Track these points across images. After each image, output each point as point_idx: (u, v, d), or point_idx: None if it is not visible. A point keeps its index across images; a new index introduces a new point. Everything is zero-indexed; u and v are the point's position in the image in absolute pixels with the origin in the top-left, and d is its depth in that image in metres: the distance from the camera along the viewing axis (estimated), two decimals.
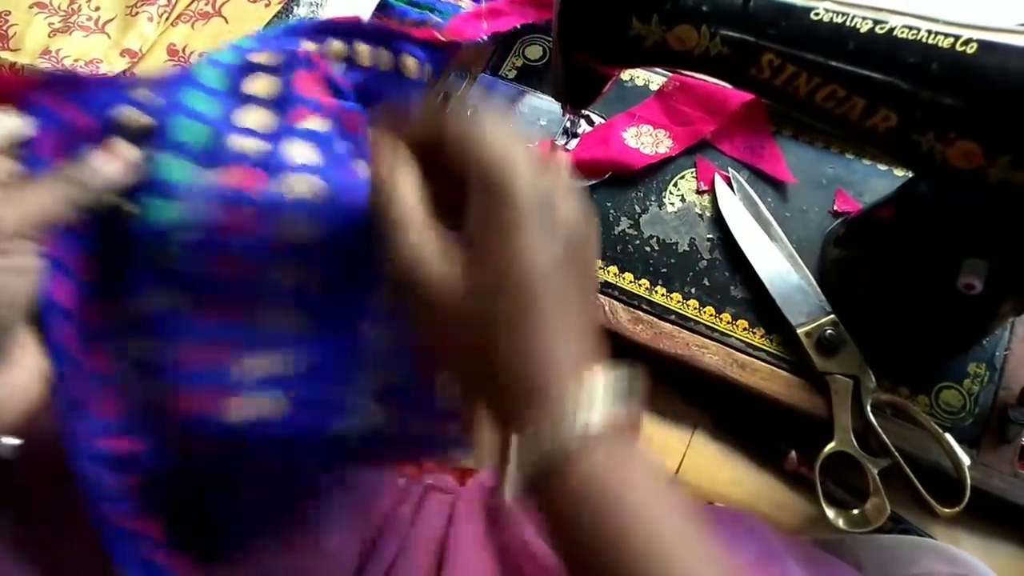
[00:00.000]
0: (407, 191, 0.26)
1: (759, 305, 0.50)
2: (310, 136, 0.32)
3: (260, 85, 0.34)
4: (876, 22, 0.36)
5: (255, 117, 0.33)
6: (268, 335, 0.31)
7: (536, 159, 0.25)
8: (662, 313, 0.50)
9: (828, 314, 0.47)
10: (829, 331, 0.46)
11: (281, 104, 0.33)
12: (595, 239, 0.27)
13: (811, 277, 0.49)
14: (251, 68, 0.34)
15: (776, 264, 0.50)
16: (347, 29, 0.38)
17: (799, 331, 0.47)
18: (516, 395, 0.25)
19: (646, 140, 0.56)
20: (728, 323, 0.49)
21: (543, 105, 0.59)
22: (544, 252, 0.24)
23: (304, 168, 0.31)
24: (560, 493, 0.24)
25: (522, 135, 0.26)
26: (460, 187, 0.25)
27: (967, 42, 0.34)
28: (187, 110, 0.32)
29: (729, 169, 0.54)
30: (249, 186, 0.30)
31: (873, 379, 0.45)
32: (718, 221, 0.53)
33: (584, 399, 0.24)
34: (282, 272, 0.31)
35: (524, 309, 0.24)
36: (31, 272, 0.29)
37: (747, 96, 0.55)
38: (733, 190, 0.53)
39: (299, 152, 0.32)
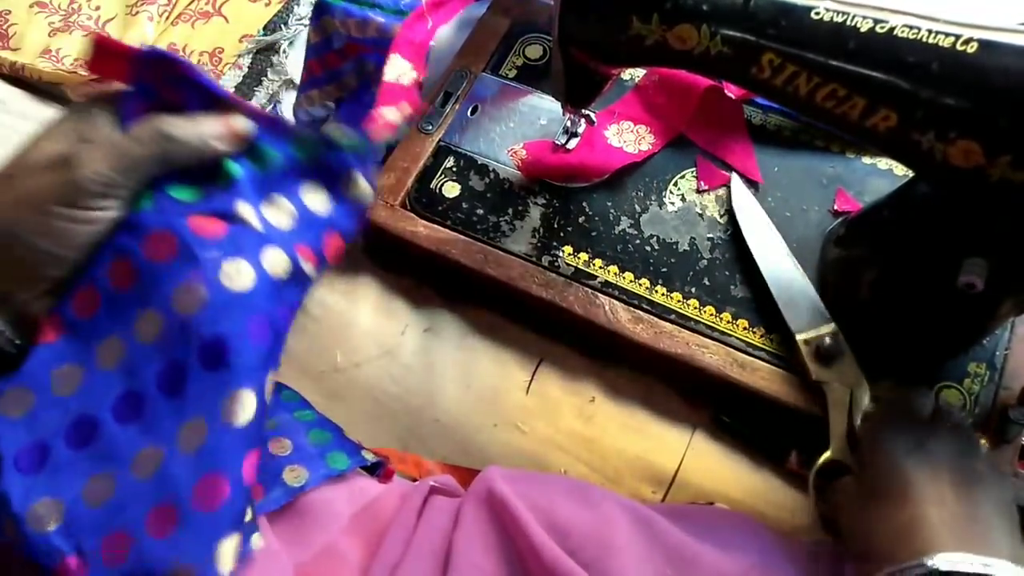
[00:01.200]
0: None
1: (759, 305, 0.50)
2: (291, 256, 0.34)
3: (313, 198, 0.35)
4: (876, 21, 0.36)
5: (276, 212, 0.34)
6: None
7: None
8: (662, 313, 0.50)
9: (828, 322, 0.47)
10: (828, 340, 0.46)
11: (302, 226, 0.35)
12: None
13: (812, 284, 0.49)
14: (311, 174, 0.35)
15: (783, 267, 0.49)
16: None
17: (798, 337, 0.46)
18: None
19: (628, 138, 0.56)
20: (728, 323, 0.49)
21: (543, 105, 0.59)
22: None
23: (261, 274, 0.32)
24: None
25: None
26: None
27: (967, 42, 0.34)
28: (249, 159, 0.34)
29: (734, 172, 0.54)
30: (204, 234, 0.31)
31: (868, 393, 0.44)
32: (718, 221, 0.53)
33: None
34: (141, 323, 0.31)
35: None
36: (101, 223, 0.31)
37: (709, 82, 0.55)
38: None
39: (274, 260, 0.33)
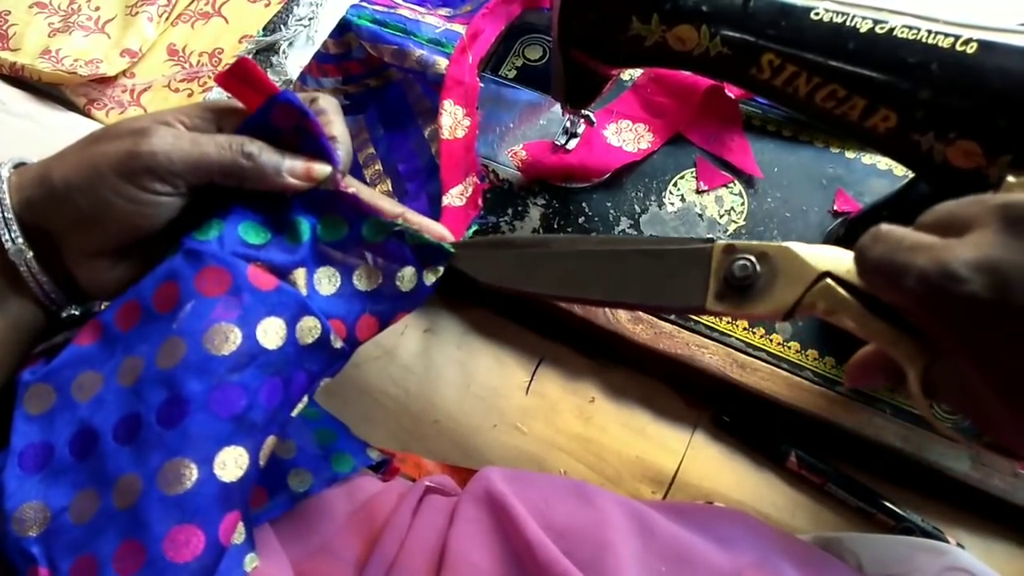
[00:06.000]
0: None
1: None
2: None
3: (363, 279, 0.35)
4: (876, 22, 0.36)
5: (325, 281, 0.35)
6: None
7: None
8: None
9: None
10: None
11: (343, 301, 0.35)
12: None
13: None
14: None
15: None
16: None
17: None
18: None
19: (627, 136, 0.56)
20: (728, 323, 0.49)
21: (544, 106, 0.59)
22: None
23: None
24: None
25: None
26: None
27: (967, 42, 0.34)
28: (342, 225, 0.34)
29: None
30: (257, 284, 0.32)
31: None
32: (718, 221, 0.53)
33: None
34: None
35: None
36: (146, 207, 0.31)
37: (711, 81, 0.55)
38: None
39: (305, 326, 0.33)
